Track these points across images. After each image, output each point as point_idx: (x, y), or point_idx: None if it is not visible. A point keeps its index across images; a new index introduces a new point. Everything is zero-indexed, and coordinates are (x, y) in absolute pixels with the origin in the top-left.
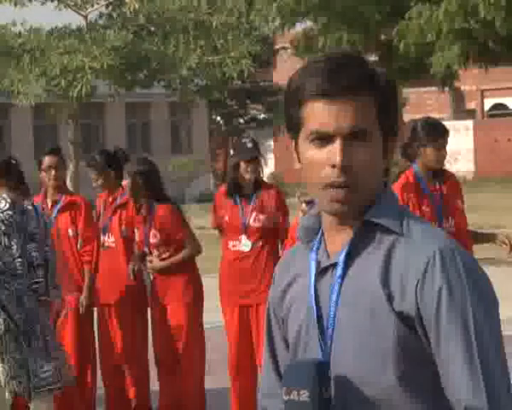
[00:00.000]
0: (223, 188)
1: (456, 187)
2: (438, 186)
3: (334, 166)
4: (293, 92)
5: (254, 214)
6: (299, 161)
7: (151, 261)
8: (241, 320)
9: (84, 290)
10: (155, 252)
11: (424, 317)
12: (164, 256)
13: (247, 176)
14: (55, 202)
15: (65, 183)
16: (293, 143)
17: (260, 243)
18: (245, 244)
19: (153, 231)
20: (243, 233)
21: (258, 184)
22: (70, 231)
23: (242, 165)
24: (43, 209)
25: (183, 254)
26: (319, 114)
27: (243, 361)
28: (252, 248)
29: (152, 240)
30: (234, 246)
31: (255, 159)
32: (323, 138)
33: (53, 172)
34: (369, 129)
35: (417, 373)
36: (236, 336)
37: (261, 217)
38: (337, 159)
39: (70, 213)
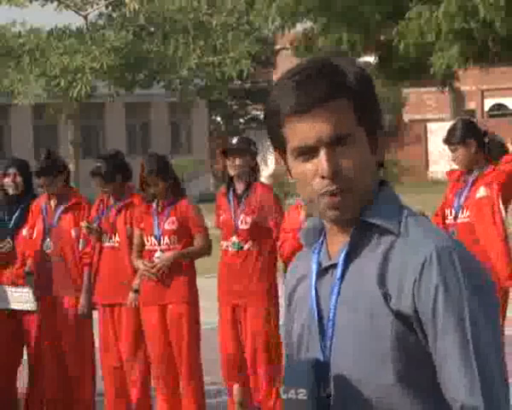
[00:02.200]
0: (223, 188)
1: (486, 177)
2: (470, 177)
3: (323, 177)
4: (271, 113)
5: (242, 216)
6: (292, 177)
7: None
8: (233, 320)
9: (82, 292)
10: (166, 240)
11: (421, 315)
12: (172, 247)
13: (232, 171)
14: (58, 203)
15: (67, 183)
16: (284, 161)
17: (248, 245)
18: (233, 244)
19: (171, 218)
20: (234, 234)
21: (253, 184)
22: (73, 232)
23: (228, 162)
24: (47, 210)
25: (198, 248)
26: (298, 130)
27: (236, 362)
28: (240, 249)
29: (168, 226)
30: (227, 246)
31: (238, 153)
32: (308, 152)
33: (45, 190)
34: (350, 132)
35: (416, 373)
36: (227, 336)
37: (248, 219)
38: (324, 169)
39: (74, 214)
